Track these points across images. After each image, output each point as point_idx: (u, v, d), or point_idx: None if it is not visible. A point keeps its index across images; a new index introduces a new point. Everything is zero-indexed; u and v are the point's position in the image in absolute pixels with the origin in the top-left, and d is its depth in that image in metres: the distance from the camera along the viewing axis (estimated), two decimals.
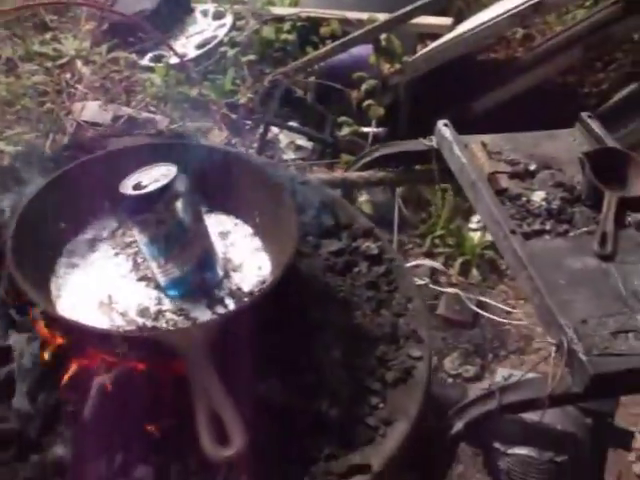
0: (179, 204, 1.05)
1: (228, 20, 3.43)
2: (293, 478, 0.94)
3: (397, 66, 3.03)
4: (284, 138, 3.12)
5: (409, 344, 1.15)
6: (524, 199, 1.39)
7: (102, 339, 0.98)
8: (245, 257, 1.18)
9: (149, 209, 1.03)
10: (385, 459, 0.98)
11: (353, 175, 1.57)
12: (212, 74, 3.30)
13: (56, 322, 1.01)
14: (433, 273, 2.34)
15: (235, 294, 1.11)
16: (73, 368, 1.00)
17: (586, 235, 1.32)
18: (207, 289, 1.11)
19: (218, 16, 3.50)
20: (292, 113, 3.10)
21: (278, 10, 3.40)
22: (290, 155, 3.10)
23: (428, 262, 2.15)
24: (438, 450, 1.19)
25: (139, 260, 1.15)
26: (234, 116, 3.19)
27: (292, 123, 3.03)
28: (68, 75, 3.33)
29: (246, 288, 1.12)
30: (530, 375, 1.25)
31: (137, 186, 1.05)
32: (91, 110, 3.16)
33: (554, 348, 1.13)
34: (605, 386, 1.11)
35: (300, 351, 1.05)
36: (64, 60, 3.40)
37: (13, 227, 1.10)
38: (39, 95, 3.18)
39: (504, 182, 1.43)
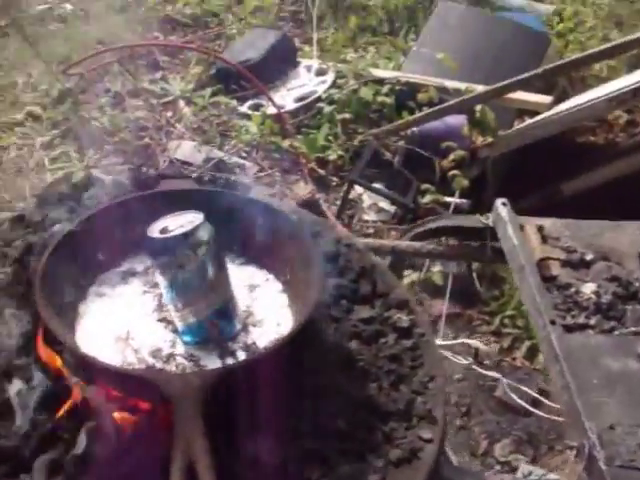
0: (200, 252, 1.05)
1: (329, 77, 3.49)
2: None
3: (489, 139, 2.99)
4: (367, 199, 3.11)
5: (422, 424, 1.10)
6: (573, 289, 1.33)
7: (102, 372, 0.99)
8: (268, 313, 1.17)
9: (170, 253, 1.04)
10: None
11: (403, 244, 1.55)
12: (306, 128, 3.36)
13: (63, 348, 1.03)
14: (477, 354, 2.26)
15: (249, 348, 1.10)
16: (73, 397, 1.01)
17: (633, 335, 1.25)
18: (222, 340, 1.10)
19: (321, 72, 3.57)
20: (378, 175, 3.11)
21: (379, 72, 3.44)
22: (371, 216, 3.09)
23: (475, 342, 2.07)
24: None
25: (163, 301, 1.16)
26: (322, 171, 3.22)
27: (377, 185, 3.03)
28: (170, 114, 3.46)
29: (261, 344, 1.10)
30: (552, 476, 1.17)
31: (164, 230, 1.07)
32: (185, 149, 3.25)
33: (575, 451, 1.06)
34: None
35: (304, 415, 1.03)
36: (168, 99, 3.54)
37: (49, 251, 1.14)
38: (139, 130, 3.30)
39: (555, 269, 1.37)
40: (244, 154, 3.30)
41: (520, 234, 1.40)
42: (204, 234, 1.07)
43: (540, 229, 1.44)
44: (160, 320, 1.14)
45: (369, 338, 1.22)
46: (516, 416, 2.35)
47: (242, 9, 4.22)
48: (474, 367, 2.02)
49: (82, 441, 0.98)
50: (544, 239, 1.43)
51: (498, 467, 2.25)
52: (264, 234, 1.24)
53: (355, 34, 4.05)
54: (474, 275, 2.76)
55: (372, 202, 3.10)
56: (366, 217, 3.08)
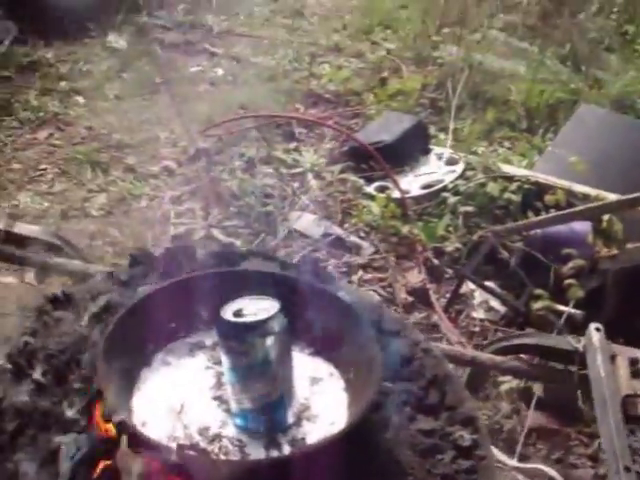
0: (269, 342, 1.05)
1: (459, 168, 3.47)
2: None
3: (613, 251, 2.86)
4: (478, 296, 3.04)
5: None
6: None
7: (142, 443, 1.00)
8: (325, 409, 1.14)
9: (238, 338, 1.05)
10: None
11: (484, 356, 1.49)
12: (428, 216, 3.34)
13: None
14: None
15: (296, 443, 1.07)
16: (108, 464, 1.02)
17: None
18: (272, 430, 1.09)
19: (451, 162, 3.55)
20: (493, 273, 3.03)
21: (508, 169, 3.39)
22: (480, 314, 3.01)
23: (549, 470, 1.94)
24: None
25: (223, 380, 1.16)
26: (437, 262, 3.18)
27: (489, 283, 2.95)
28: (296, 184, 3.53)
29: (310, 440, 1.08)
30: None
31: (238, 312, 1.07)
32: (306, 222, 3.31)
33: None
34: None
35: None
36: (298, 170, 3.62)
37: (121, 313, 1.17)
38: (264, 196, 3.39)
39: None
40: (362, 234, 3.31)
41: (609, 364, 1.31)
42: (276, 325, 1.07)
43: (634, 362, 1.34)
44: (215, 398, 1.14)
45: (425, 452, 1.16)
46: None
47: (384, 91, 4.29)
48: None
49: None
50: (637, 373, 1.33)
51: None
52: (336, 329, 1.22)
53: (492, 127, 4.02)
54: (578, 392, 2.62)
55: (483, 300, 3.02)
56: (474, 314, 2.99)
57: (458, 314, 2.99)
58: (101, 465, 1.01)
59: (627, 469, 1.14)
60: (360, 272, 3.05)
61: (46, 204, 3.47)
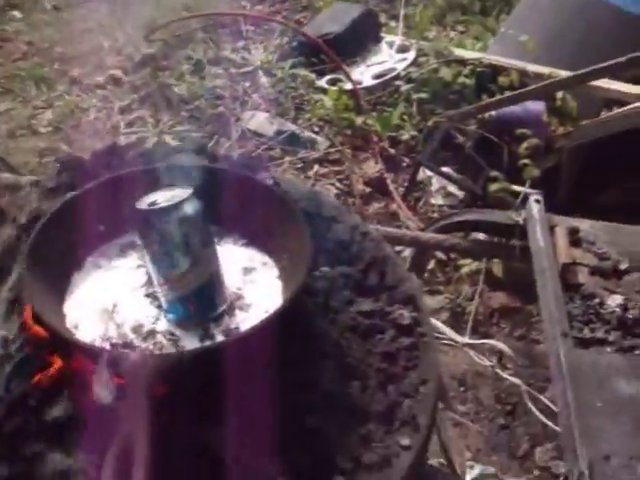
0: (182, 225, 1.03)
1: (411, 55, 3.40)
2: None
3: (568, 129, 2.85)
4: (436, 182, 3.03)
5: (403, 430, 1.04)
6: (597, 300, 1.24)
7: (74, 346, 0.98)
8: (259, 298, 1.13)
9: (152, 225, 1.02)
10: None
11: (425, 236, 1.48)
12: (382, 106, 3.29)
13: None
14: (501, 357, 2.16)
15: (230, 332, 1.06)
16: (52, 370, 1.01)
17: None
18: (204, 321, 1.07)
19: (402, 49, 3.48)
20: (449, 158, 3.01)
21: (461, 53, 3.33)
22: (439, 200, 3.01)
23: (498, 344, 1.97)
24: None
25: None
26: (393, 151, 3.15)
27: (446, 169, 2.94)
28: (247, 83, 3.45)
29: (243, 328, 1.07)
30: None
31: (152, 203, 1.05)
32: (259, 121, 3.25)
33: (561, 478, 0.98)
34: None
35: (270, 409, 0.99)
36: (248, 69, 3.53)
37: (47, 217, 1.14)
38: (215, 98, 3.31)
39: (582, 277, 1.28)
40: (317, 129, 3.26)
41: (548, 235, 1.31)
42: (189, 208, 1.04)
43: (573, 231, 1.34)
44: (148, 295, 1.12)
45: (365, 333, 1.16)
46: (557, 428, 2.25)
47: None
48: (497, 371, 1.92)
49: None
50: (576, 242, 1.34)
51: (537, 472, 2.16)
52: (268, 218, 1.20)
53: (444, 11, 3.92)
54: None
55: (441, 186, 3.02)
56: (433, 201, 3.00)
57: (417, 201, 2.99)
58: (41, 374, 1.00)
59: (564, 335, 1.14)
60: (316, 166, 3.03)
61: None
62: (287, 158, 3.05)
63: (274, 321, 0.99)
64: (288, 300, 1.03)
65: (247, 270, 1.17)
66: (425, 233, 1.50)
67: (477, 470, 2.00)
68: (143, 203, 1.04)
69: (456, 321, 2.51)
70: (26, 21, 4.11)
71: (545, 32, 3.26)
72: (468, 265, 2.60)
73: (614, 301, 1.23)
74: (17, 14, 4.14)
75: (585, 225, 1.39)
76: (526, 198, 2.67)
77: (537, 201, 1.38)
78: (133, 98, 3.43)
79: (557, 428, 1.61)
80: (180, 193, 1.05)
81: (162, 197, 1.05)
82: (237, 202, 1.22)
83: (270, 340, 1.00)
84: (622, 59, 2.58)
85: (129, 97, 3.44)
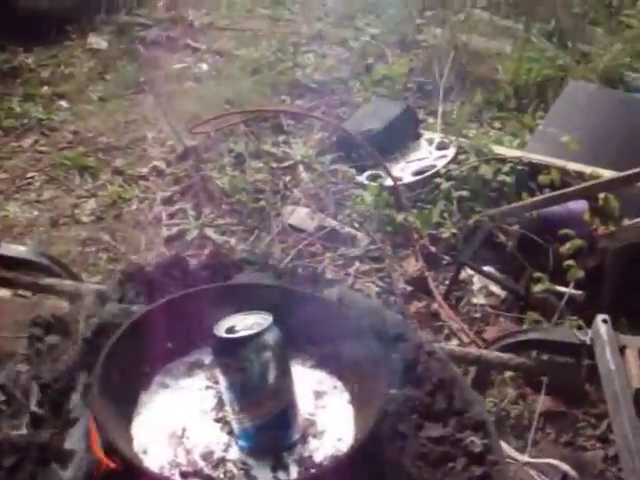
0: (264, 356, 1.02)
1: (450, 152, 3.43)
2: None
3: (610, 229, 2.84)
4: (477, 281, 3.01)
5: None
6: None
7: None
8: (331, 424, 1.11)
9: (232, 355, 1.01)
10: None
11: (490, 355, 1.46)
12: (422, 203, 3.30)
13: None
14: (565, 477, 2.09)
15: (304, 462, 1.04)
16: None
17: None
18: (277, 449, 1.06)
19: (442, 146, 3.52)
20: (491, 258, 3.00)
21: (501, 150, 3.36)
22: (480, 300, 2.98)
23: (562, 465, 1.91)
24: None
25: (224, 400, 1.12)
26: (433, 249, 3.15)
27: (488, 268, 2.93)
28: (288, 178, 3.49)
29: (317, 458, 1.05)
30: None
31: (230, 329, 1.04)
32: (299, 215, 3.27)
33: None
34: None
35: None
36: (289, 163, 3.58)
37: (118, 334, 1.14)
38: (256, 192, 3.35)
39: None
40: (357, 225, 3.28)
41: (618, 357, 1.29)
42: (270, 338, 1.03)
43: None
44: (217, 420, 1.11)
45: (436, 461, 1.13)
46: None
47: (370, 77, 4.25)
48: None
49: None
50: None
51: None
52: (336, 339, 1.19)
53: (481, 108, 3.98)
54: (584, 372, 2.60)
55: (482, 285, 2.99)
56: (475, 300, 2.97)
57: (458, 301, 2.96)
58: None
59: None
60: (357, 263, 3.02)
61: (35, 212, 3.42)
62: (327, 254, 3.06)
63: (352, 455, 0.97)
64: (365, 436, 1.00)
65: (318, 394, 1.16)
66: (489, 352, 1.48)
67: None
68: (221, 329, 1.04)
69: (501, 426, 2.45)
70: (72, 111, 4.21)
71: (585, 131, 3.30)
72: None
73: None
74: (64, 104, 4.26)
75: None
76: (572, 299, 2.67)
77: (604, 321, 1.35)
78: (175, 190, 3.48)
79: None
80: (259, 320, 1.04)
81: (240, 323, 1.04)
82: (304, 322, 1.22)
83: (346, 471, 0.98)
84: None
85: (171, 189, 3.49)
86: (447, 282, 2.99)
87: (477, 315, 2.86)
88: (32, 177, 3.69)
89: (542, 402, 2.51)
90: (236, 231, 3.20)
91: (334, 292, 1.33)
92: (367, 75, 4.31)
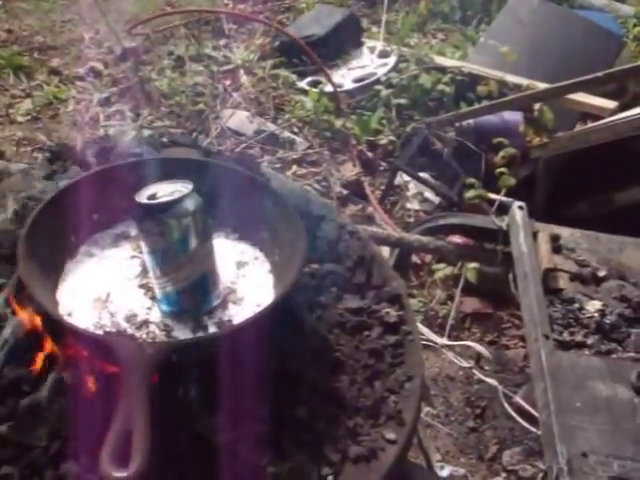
0: (183, 221, 1.04)
1: (391, 60, 3.44)
2: None
3: (544, 140, 2.90)
4: (413, 187, 3.07)
5: (389, 424, 1.07)
6: (576, 305, 1.28)
7: (70, 333, 1.00)
8: (251, 292, 1.15)
9: (153, 219, 1.03)
10: None
11: (411, 237, 1.51)
12: (361, 110, 3.32)
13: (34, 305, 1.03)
14: (479, 358, 2.21)
15: (222, 325, 1.08)
16: (41, 355, 1.02)
17: (631, 362, 1.19)
18: (198, 313, 1.09)
19: (383, 55, 3.52)
20: (426, 164, 3.05)
21: (441, 60, 3.38)
22: (415, 205, 3.05)
23: (476, 346, 2.01)
24: None
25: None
26: (370, 155, 3.19)
27: (423, 174, 2.98)
28: (228, 82, 3.46)
29: (236, 322, 1.09)
30: None
31: (152, 196, 1.06)
32: (238, 119, 3.26)
33: (541, 474, 1.02)
34: None
35: (261, 399, 1.01)
36: (229, 67, 3.54)
37: (41, 205, 1.14)
38: (195, 95, 3.32)
39: (562, 282, 1.32)
40: (296, 130, 3.28)
41: (531, 241, 1.35)
42: (190, 204, 1.05)
43: (555, 238, 1.38)
44: (141, 286, 1.14)
45: (352, 329, 1.19)
46: (531, 425, 2.30)
47: None
48: (474, 371, 1.97)
49: (44, 390, 0.99)
50: (557, 249, 1.38)
51: (504, 475, 2.21)
52: (261, 213, 1.22)
53: (425, 19, 3.97)
54: (510, 276, 2.70)
55: (417, 191, 3.05)
56: (409, 205, 3.03)
57: (393, 205, 3.02)
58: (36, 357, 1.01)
59: (546, 337, 1.18)
60: (294, 167, 3.05)
61: None
62: (266, 157, 3.07)
63: (267, 315, 1.01)
64: (281, 295, 1.05)
65: (240, 264, 1.19)
66: (410, 235, 1.53)
67: (447, 471, 2.04)
68: (143, 196, 1.05)
69: (429, 325, 2.54)
70: (5, 8, 4.07)
71: (525, 44, 3.33)
72: (442, 270, 2.64)
73: (593, 306, 1.28)
74: None
75: (565, 233, 1.44)
76: (503, 205, 2.74)
77: (520, 208, 1.41)
78: (113, 91, 3.41)
79: (531, 428, 1.65)
80: (180, 187, 1.06)
81: (162, 191, 1.06)
82: (230, 196, 1.24)
83: (261, 333, 1.02)
84: (599, 74, 2.66)
85: (109, 90, 3.42)
86: (383, 187, 3.04)
87: (411, 220, 2.93)
88: None
89: (465, 301, 2.61)
90: (174, 133, 3.17)
91: (262, 172, 1.35)
92: None
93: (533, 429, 1.75)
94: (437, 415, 2.38)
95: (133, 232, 1.23)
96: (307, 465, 0.98)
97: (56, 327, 1.02)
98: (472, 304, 2.74)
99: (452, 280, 2.68)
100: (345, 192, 2.95)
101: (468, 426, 2.35)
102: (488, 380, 1.87)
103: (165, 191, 1.06)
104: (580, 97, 2.93)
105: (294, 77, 3.43)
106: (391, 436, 1.06)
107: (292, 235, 1.15)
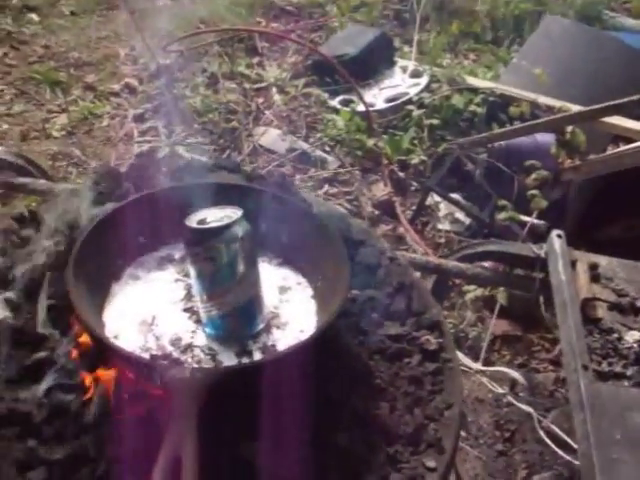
0: (232, 247, 1.06)
1: (423, 80, 3.45)
2: None
3: (576, 162, 2.90)
4: (444, 208, 3.07)
5: (428, 452, 1.08)
6: (615, 335, 1.28)
7: (116, 355, 1.02)
8: (294, 317, 1.16)
9: (202, 244, 1.06)
10: None
11: (449, 264, 1.52)
12: (393, 129, 3.34)
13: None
14: (514, 384, 2.20)
15: (266, 349, 1.10)
16: (89, 376, 1.04)
17: None
18: (242, 337, 1.11)
19: (415, 74, 3.54)
20: (458, 185, 3.06)
21: (473, 81, 3.38)
22: (445, 226, 3.05)
23: (511, 372, 2.01)
24: None
25: (193, 292, 1.17)
26: (402, 174, 3.20)
27: (454, 195, 2.98)
28: (261, 100, 3.50)
29: (280, 347, 1.11)
30: None
31: (201, 221, 1.08)
32: (271, 137, 3.29)
33: None
34: None
35: (303, 425, 1.02)
36: (262, 85, 3.58)
37: (90, 228, 1.17)
38: (228, 112, 3.36)
39: (601, 312, 1.32)
40: (328, 148, 3.31)
41: (569, 270, 1.35)
42: (239, 230, 1.07)
43: (593, 267, 1.39)
44: (186, 310, 1.16)
45: (392, 356, 1.20)
46: (562, 450, 2.28)
47: (347, 3, 4.21)
48: (509, 397, 1.96)
49: (90, 412, 1.01)
50: (595, 278, 1.38)
51: None
52: (303, 239, 1.24)
53: (457, 39, 3.99)
54: (541, 299, 2.69)
55: (448, 212, 3.06)
56: (440, 226, 3.04)
57: (424, 226, 3.03)
58: (87, 379, 1.03)
59: (585, 367, 1.18)
60: (326, 186, 3.07)
61: (5, 126, 3.40)
62: (297, 176, 3.09)
63: (312, 342, 1.03)
64: (327, 323, 1.06)
65: (283, 289, 1.21)
66: (448, 261, 1.54)
67: None
68: (192, 221, 1.08)
69: (459, 346, 2.54)
70: (43, 24, 4.14)
71: (558, 65, 3.33)
72: (473, 292, 2.64)
73: (632, 337, 1.28)
74: (34, 17, 4.18)
75: (604, 261, 1.44)
76: (534, 228, 2.74)
77: (559, 236, 1.42)
78: (147, 108, 3.47)
79: (561, 453, 1.65)
80: (230, 213, 1.08)
81: (211, 216, 1.08)
82: (272, 222, 1.26)
83: (305, 359, 1.04)
84: (634, 98, 2.65)
85: (143, 107, 3.48)
86: (414, 207, 3.05)
87: (441, 240, 2.93)
88: (2, 90, 3.65)
89: (496, 323, 2.61)
90: (207, 150, 3.21)
91: (303, 197, 1.37)
92: (344, 0, 4.27)
93: (563, 454, 1.75)
94: (466, 438, 2.38)
95: (177, 255, 1.26)
96: None
97: (104, 349, 1.04)
98: (502, 326, 2.73)
99: (482, 301, 2.68)
100: (376, 212, 2.96)
101: (497, 449, 2.34)
102: (521, 406, 1.86)
103: (215, 216, 1.08)
104: (614, 120, 2.92)
105: (326, 96, 3.46)
106: (431, 464, 1.06)
107: (335, 261, 1.17)
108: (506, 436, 2.37)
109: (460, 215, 3.02)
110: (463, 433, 2.32)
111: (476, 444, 2.38)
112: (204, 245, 1.06)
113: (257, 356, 1.09)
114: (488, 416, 2.44)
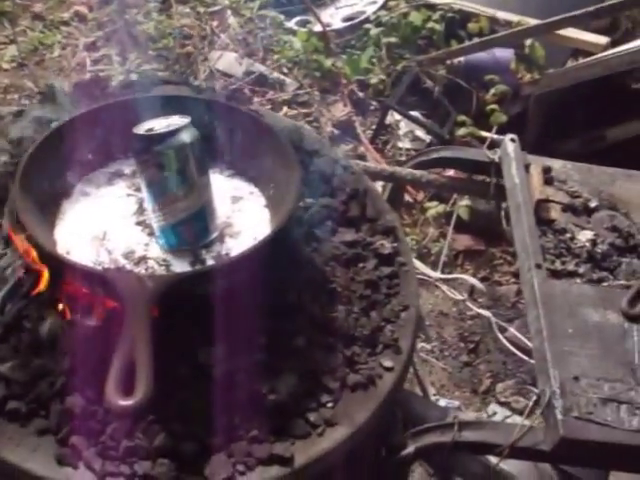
0: (181, 152, 1.05)
1: None
2: (209, 450, 0.93)
3: (535, 76, 2.89)
4: (404, 126, 3.06)
5: (385, 353, 1.10)
6: (568, 235, 1.29)
7: (69, 269, 1.01)
8: (247, 226, 1.16)
9: (150, 151, 1.04)
10: (311, 458, 0.95)
11: (403, 171, 1.51)
12: (351, 49, 3.29)
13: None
14: (472, 291, 2.24)
15: (220, 258, 1.09)
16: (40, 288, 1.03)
17: (621, 289, 1.21)
18: (195, 246, 1.10)
19: None
20: (417, 103, 3.04)
21: None
22: (406, 144, 3.04)
23: (470, 279, 2.04)
24: (386, 468, 1.13)
25: (144, 206, 1.16)
26: (361, 94, 3.17)
27: (414, 113, 2.97)
28: (215, 23, 3.42)
29: (233, 255, 1.10)
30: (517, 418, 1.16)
31: (149, 130, 1.06)
32: (227, 61, 3.23)
33: (534, 397, 1.05)
34: (576, 453, 1.02)
35: (260, 330, 1.03)
36: (216, 8, 3.49)
37: (35, 145, 1.14)
38: (183, 37, 3.28)
39: (554, 213, 1.33)
40: (286, 70, 3.26)
41: (523, 172, 1.36)
42: (187, 136, 1.06)
43: (547, 170, 1.39)
44: (138, 223, 1.15)
45: (348, 261, 1.20)
46: (525, 358, 2.34)
47: None
48: (467, 304, 2.00)
49: (45, 327, 1.01)
50: (549, 181, 1.39)
51: (497, 408, 2.25)
52: (254, 149, 1.22)
53: None
54: (502, 213, 2.71)
55: (408, 130, 3.05)
56: (400, 144, 3.02)
57: (384, 145, 3.02)
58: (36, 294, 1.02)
59: (538, 266, 1.20)
60: (285, 108, 3.03)
61: None
62: (255, 99, 3.04)
63: (264, 247, 1.03)
64: (278, 227, 1.06)
65: (235, 199, 1.20)
66: (403, 169, 1.54)
67: (442, 404, 2.08)
68: (140, 129, 1.06)
69: (422, 262, 2.57)
70: None
71: None
72: (434, 208, 2.66)
73: (584, 236, 1.29)
74: None
75: (557, 165, 1.44)
76: (494, 143, 2.74)
77: (512, 140, 1.42)
78: (99, 35, 3.37)
79: (525, 357, 1.69)
80: (177, 121, 1.06)
81: (159, 125, 1.06)
82: (223, 133, 1.24)
83: (259, 265, 1.03)
84: (590, 9, 2.64)
85: (95, 34, 3.38)
86: (374, 127, 3.03)
87: (402, 158, 2.92)
88: None
89: (457, 238, 2.63)
90: (162, 76, 3.13)
91: (254, 108, 1.35)
92: None
93: (527, 358, 1.79)
94: (432, 350, 2.42)
95: (127, 170, 1.24)
96: (306, 393, 1.01)
97: (55, 265, 1.03)
98: (464, 241, 2.76)
99: (444, 218, 2.70)
100: (336, 132, 2.94)
101: (462, 360, 2.39)
102: (482, 312, 1.89)
103: (162, 125, 1.07)
104: (572, 33, 2.91)
105: (282, 17, 3.38)
106: (388, 364, 1.08)
107: (287, 170, 1.16)
108: (470, 347, 2.43)
109: (420, 133, 3.02)
110: (428, 346, 2.37)
111: (441, 356, 2.43)
112: (152, 151, 1.04)
113: (210, 263, 1.08)
114: (452, 329, 2.49)
